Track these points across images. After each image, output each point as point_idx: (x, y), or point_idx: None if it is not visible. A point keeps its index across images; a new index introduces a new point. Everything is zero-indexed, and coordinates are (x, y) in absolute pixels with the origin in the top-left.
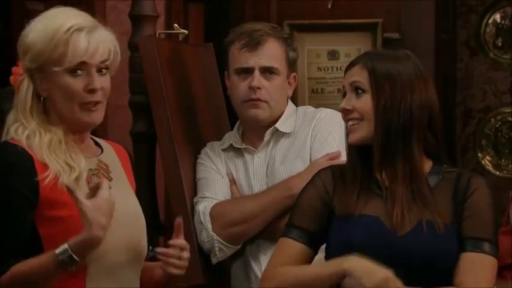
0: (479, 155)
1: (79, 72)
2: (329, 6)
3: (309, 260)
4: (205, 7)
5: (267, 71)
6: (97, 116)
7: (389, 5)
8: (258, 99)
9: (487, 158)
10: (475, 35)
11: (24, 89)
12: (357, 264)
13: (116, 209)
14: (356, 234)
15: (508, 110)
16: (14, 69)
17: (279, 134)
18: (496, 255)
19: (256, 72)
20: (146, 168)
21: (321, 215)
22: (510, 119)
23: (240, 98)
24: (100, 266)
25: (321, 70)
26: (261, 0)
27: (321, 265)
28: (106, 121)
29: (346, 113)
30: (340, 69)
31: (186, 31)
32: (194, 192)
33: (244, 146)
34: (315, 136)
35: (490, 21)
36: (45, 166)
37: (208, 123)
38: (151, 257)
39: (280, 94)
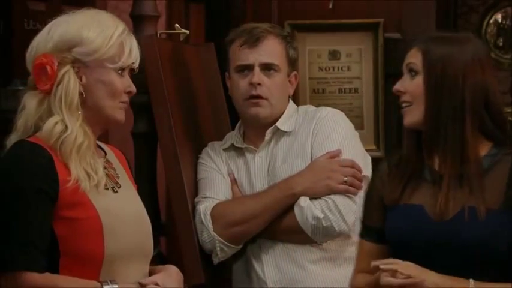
0: None
1: (124, 73)
2: (330, 6)
3: (384, 256)
4: (206, 7)
5: (267, 68)
6: (124, 116)
7: (390, 5)
8: (259, 96)
9: None
10: (476, 35)
11: (72, 83)
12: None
13: (126, 210)
14: (399, 224)
15: (509, 110)
16: (40, 58)
17: (280, 133)
18: None
19: (256, 69)
20: (147, 168)
21: (382, 209)
22: (511, 119)
23: (241, 96)
24: (113, 266)
25: (322, 70)
26: (262, 0)
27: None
28: None
29: (398, 95)
30: (341, 69)
31: (187, 31)
32: (195, 191)
33: (245, 145)
34: (315, 134)
35: (491, 21)
36: (66, 167)
37: (210, 123)
38: (155, 256)
39: (280, 91)
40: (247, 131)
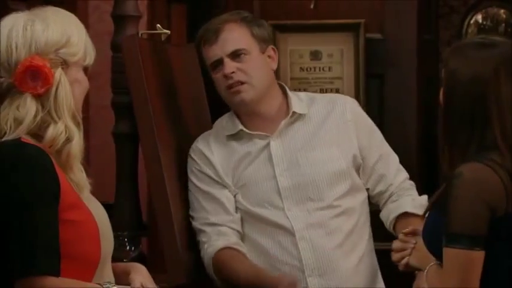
0: None
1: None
2: (312, 6)
3: None
4: (188, 7)
5: (236, 55)
6: None
7: (372, 5)
8: (237, 82)
9: None
10: (457, 35)
11: (68, 86)
12: None
13: (101, 210)
14: None
15: None
16: (28, 61)
17: (296, 117)
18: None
19: (226, 60)
20: (129, 168)
21: None
22: None
23: (222, 89)
24: (102, 267)
25: (303, 70)
26: (243, 0)
27: None
28: (88, 121)
29: None
30: (323, 69)
31: (168, 31)
32: (177, 191)
33: (257, 132)
34: (359, 129)
35: (471, 21)
36: (61, 172)
37: (191, 123)
38: (136, 256)
39: (258, 70)
40: (246, 119)
